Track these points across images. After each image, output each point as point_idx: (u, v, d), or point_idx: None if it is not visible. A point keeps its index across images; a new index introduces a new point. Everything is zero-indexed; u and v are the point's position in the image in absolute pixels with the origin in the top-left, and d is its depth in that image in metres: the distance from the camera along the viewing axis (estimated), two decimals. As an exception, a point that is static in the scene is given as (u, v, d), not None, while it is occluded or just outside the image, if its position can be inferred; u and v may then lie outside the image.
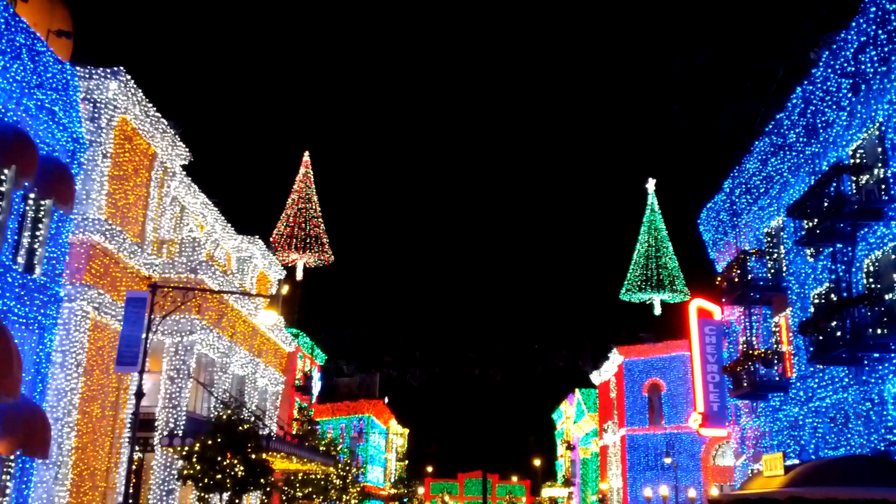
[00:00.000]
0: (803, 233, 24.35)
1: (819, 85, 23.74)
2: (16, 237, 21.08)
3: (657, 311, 64.02)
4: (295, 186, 65.69)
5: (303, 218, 64.01)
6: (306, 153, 66.87)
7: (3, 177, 20.24)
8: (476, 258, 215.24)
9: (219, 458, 25.00)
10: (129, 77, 25.06)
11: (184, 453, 25.72)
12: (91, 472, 24.40)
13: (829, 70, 23.03)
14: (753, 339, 29.74)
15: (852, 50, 21.74)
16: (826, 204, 22.43)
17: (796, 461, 24.97)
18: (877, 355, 20.93)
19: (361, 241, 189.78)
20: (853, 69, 21.87)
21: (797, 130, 25.62)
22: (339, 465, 46.42)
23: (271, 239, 62.76)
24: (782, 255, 27.95)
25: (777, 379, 27.22)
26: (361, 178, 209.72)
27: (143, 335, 20.86)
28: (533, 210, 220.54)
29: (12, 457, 20.69)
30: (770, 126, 27.78)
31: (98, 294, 24.21)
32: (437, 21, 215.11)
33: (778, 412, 27.64)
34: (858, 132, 22.22)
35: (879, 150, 21.25)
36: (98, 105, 24.67)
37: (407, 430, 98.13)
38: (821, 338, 22.45)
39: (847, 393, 22.63)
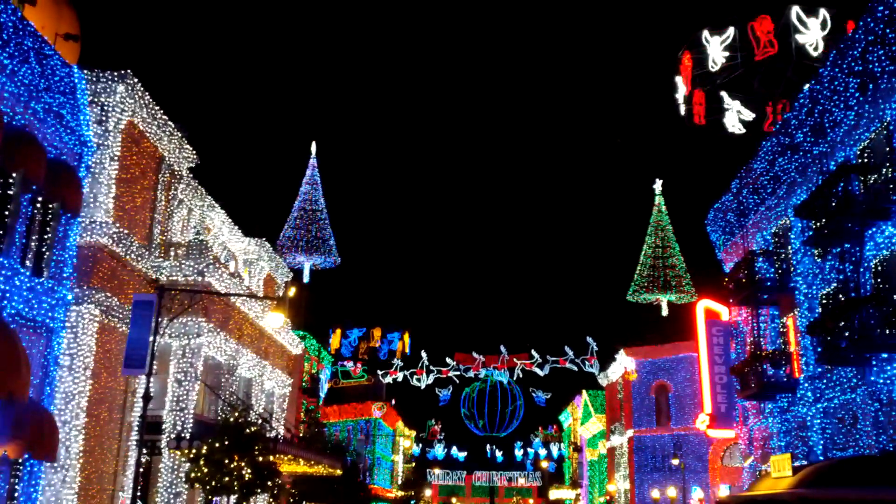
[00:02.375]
0: (811, 233, 24.28)
1: (827, 84, 23.67)
2: (23, 240, 21.12)
3: (664, 312, 63.86)
4: (302, 188, 65.76)
5: (310, 220, 64.03)
6: (313, 157, 66.96)
7: (10, 180, 20.30)
8: (483, 259, 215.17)
9: (226, 461, 24.99)
10: (136, 80, 25.11)
11: (191, 456, 25.74)
12: (99, 475, 24.44)
13: (837, 69, 22.96)
14: (761, 339, 29.65)
15: (860, 49, 21.68)
16: (834, 204, 22.37)
17: (804, 462, 24.88)
18: (885, 356, 20.87)
19: (368, 244, 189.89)
20: (861, 68, 21.81)
21: (805, 130, 25.54)
22: (347, 468, 46.42)
23: (278, 241, 62.81)
24: (790, 256, 27.86)
25: (785, 380, 27.14)
26: (369, 180, 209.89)
27: (151, 338, 20.87)
28: (540, 211, 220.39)
29: (20, 460, 20.74)
30: (777, 126, 27.71)
31: (105, 297, 24.25)
32: (443, 20, 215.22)
33: (786, 413, 27.55)
34: (866, 132, 22.14)
35: (887, 149, 21.18)
36: (105, 108, 24.73)
37: (413, 433, 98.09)
38: (829, 338, 22.38)
39: (855, 393, 22.55)
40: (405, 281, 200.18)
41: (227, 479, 24.98)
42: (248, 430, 26.16)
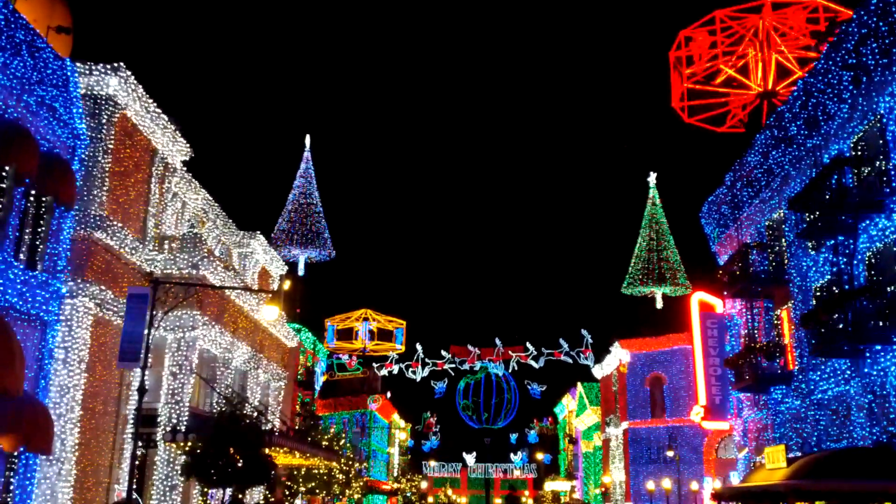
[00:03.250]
0: (805, 225, 24.31)
1: (820, 77, 23.67)
2: (17, 234, 21.08)
3: (659, 304, 64.00)
4: (296, 181, 65.67)
5: (304, 213, 63.97)
6: (307, 150, 66.84)
7: (3, 173, 20.23)
8: (478, 252, 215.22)
9: (221, 454, 25.02)
10: (129, 73, 25.03)
11: (186, 449, 25.76)
12: (94, 468, 24.44)
13: (831, 62, 22.96)
14: (755, 332, 29.72)
15: (853, 42, 21.67)
16: (827, 196, 22.39)
17: (798, 454, 24.97)
18: (878, 347, 20.92)
19: (363, 237, 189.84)
20: (854, 61, 21.81)
21: (798, 123, 25.56)
22: (342, 460, 46.48)
23: (272, 234, 62.76)
24: (784, 248, 27.91)
25: (779, 372, 27.21)
26: (363, 171, 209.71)
27: (145, 331, 20.87)
28: (535, 204, 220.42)
29: (15, 453, 20.73)
30: (771, 119, 27.73)
31: (100, 290, 24.21)
32: (440, 13, 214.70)
33: (780, 405, 27.64)
34: (860, 124, 22.16)
35: (881, 142, 21.19)
36: (98, 101, 24.65)
37: (409, 425, 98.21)
38: (822, 330, 22.43)
39: (849, 385, 22.63)
40: (400, 274, 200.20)
41: (222, 471, 25.01)
42: (243, 423, 26.19)
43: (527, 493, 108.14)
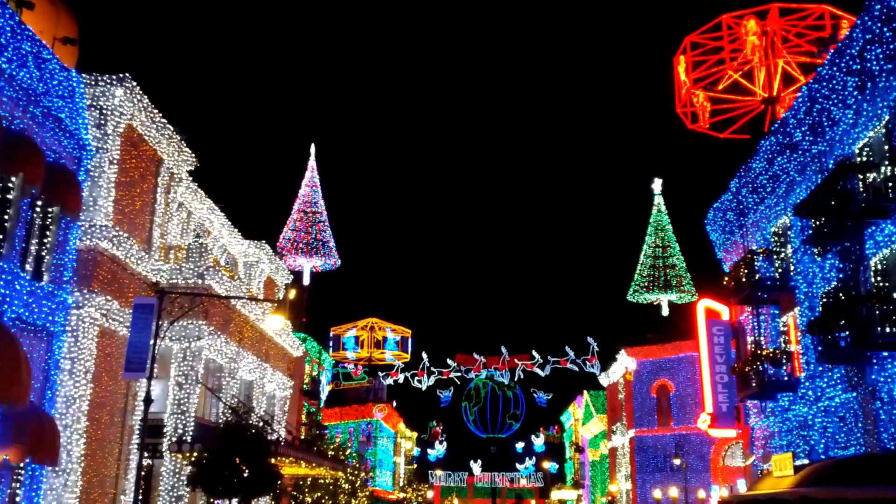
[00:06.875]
0: (811, 232, 24.26)
1: (825, 83, 23.65)
2: (23, 245, 21.11)
3: (665, 311, 63.84)
4: (301, 190, 65.75)
5: (309, 222, 64.05)
6: (312, 158, 66.93)
7: (10, 184, 20.30)
8: (483, 260, 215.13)
9: (227, 464, 24.98)
10: (134, 83, 25.12)
11: (192, 459, 25.73)
12: (100, 478, 24.42)
13: (835, 68, 22.94)
14: (762, 338, 29.63)
15: (858, 48, 21.66)
16: (833, 202, 22.33)
17: (806, 461, 24.86)
18: (886, 354, 20.85)
19: (369, 245, 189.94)
20: (859, 67, 21.79)
21: (803, 129, 25.53)
22: (348, 470, 46.39)
23: (278, 244, 62.82)
24: (790, 255, 27.84)
25: (786, 379, 27.12)
26: (368, 181, 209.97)
27: (151, 341, 20.86)
28: (539, 212, 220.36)
29: (22, 464, 20.72)
30: (776, 125, 27.70)
31: (106, 300, 24.24)
32: (443, 21, 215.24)
33: (787, 412, 27.54)
34: (865, 130, 22.12)
35: (886, 147, 21.15)
36: (104, 112, 24.74)
37: (415, 434, 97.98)
38: (829, 337, 22.36)
39: (856, 392, 22.53)
40: (406, 282, 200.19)
41: (228, 481, 24.97)
42: (249, 433, 26.15)
43: (533, 501, 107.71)
